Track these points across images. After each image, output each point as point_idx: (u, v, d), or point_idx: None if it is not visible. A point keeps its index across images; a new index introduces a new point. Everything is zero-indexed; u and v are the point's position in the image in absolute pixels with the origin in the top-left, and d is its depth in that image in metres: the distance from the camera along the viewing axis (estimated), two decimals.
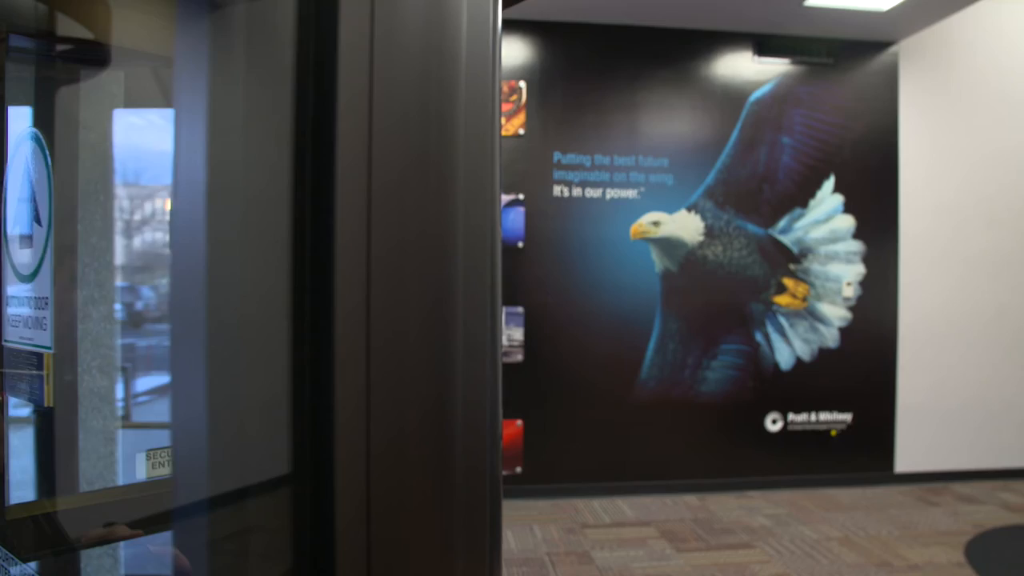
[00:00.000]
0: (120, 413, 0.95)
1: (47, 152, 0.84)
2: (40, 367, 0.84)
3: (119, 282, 0.94)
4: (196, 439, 0.53)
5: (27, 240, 0.84)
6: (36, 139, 0.85)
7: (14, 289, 0.86)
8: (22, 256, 0.85)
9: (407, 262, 0.46)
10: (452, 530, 0.48)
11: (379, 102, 0.45)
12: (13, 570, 0.85)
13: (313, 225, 0.45)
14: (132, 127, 0.95)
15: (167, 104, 1.03)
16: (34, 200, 0.84)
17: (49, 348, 0.83)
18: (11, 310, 0.87)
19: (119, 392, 0.95)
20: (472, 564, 0.49)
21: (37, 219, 0.84)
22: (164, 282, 0.95)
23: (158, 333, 0.95)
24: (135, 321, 0.91)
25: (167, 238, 0.96)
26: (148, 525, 0.90)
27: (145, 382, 0.93)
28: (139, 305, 0.89)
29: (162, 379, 0.94)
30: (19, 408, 0.93)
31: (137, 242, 0.90)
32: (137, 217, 0.90)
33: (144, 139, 0.97)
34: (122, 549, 0.94)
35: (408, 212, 0.46)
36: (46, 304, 0.82)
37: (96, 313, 1.15)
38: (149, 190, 0.95)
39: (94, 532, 0.89)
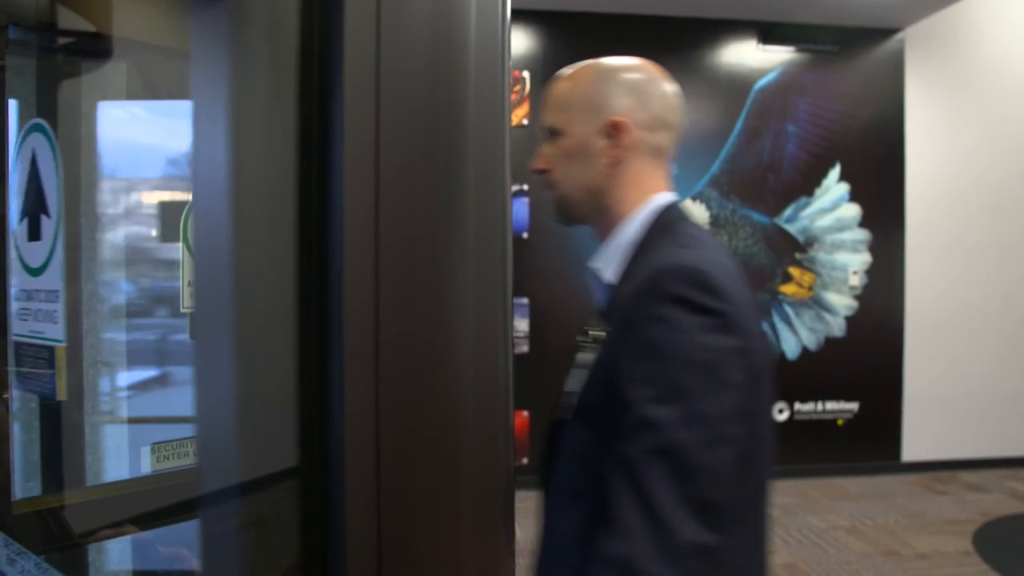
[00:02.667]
0: (107, 408, 0.95)
1: (54, 143, 0.83)
2: (52, 360, 0.83)
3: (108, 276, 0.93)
4: (217, 431, 0.52)
5: (35, 233, 0.83)
6: (42, 130, 0.84)
7: (22, 283, 0.85)
8: (30, 249, 0.84)
9: (416, 254, 0.45)
10: (464, 524, 0.47)
11: (386, 93, 0.44)
12: (19, 566, 0.84)
13: (321, 217, 0.44)
14: (115, 119, 0.94)
15: (168, 95, 1.02)
16: (42, 192, 0.83)
17: (61, 341, 0.82)
18: (19, 304, 0.87)
19: (106, 387, 0.94)
20: (485, 558, 0.49)
21: (45, 211, 0.83)
22: (148, 276, 0.94)
23: (141, 328, 0.94)
24: (116, 314, 0.91)
25: (149, 231, 0.96)
26: (155, 519, 0.89)
27: (129, 376, 0.93)
28: (120, 299, 0.89)
29: (146, 373, 0.94)
30: (29, 402, 0.93)
31: (120, 235, 0.89)
32: (117, 210, 0.89)
33: (126, 131, 0.96)
34: (131, 548, 0.94)
35: (416, 204, 0.45)
36: (57, 297, 0.82)
37: (99, 307, 1.15)
38: (128, 183, 0.94)
39: (101, 532, 0.88)
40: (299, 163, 0.45)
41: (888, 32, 5.74)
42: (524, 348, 5.36)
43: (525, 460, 5.32)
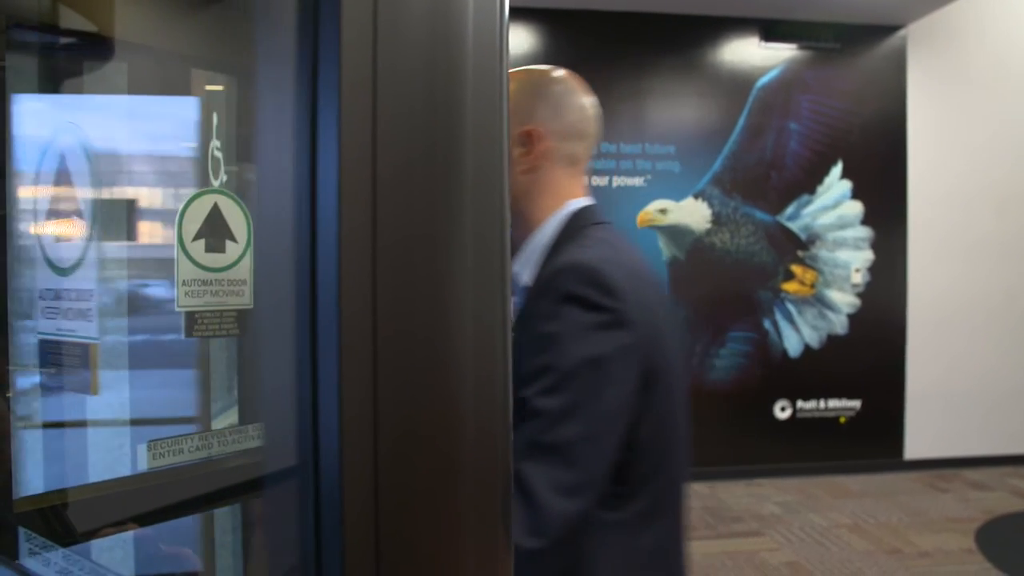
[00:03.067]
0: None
1: (87, 144, 0.84)
2: (85, 358, 0.85)
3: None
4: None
5: (67, 234, 0.84)
6: (74, 131, 0.85)
7: (49, 281, 0.86)
8: (58, 249, 0.85)
9: (415, 253, 0.45)
10: (464, 524, 0.47)
11: (384, 91, 0.44)
12: (23, 562, 0.85)
13: (318, 216, 0.44)
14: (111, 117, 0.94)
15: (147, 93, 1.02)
16: (72, 191, 0.84)
17: (96, 339, 0.84)
18: (45, 303, 0.88)
19: (104, 384, 0.96)
20: (485, 558, 0.49)
21: (78, 213, 0.84)
22: (147, 275, 0.95)
23: (138, 327, 0.95)
24: (118, 313, 0.92)
25: (147, 230, 0.97)
26: (154, 516, 0.90)
27: (128, 374, 0.94)
28: (120, 297, 0.90)
29: (144, 371, 0.95)
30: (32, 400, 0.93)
31: (121, 234, 0.90)
32: (116, 209, 0.90)
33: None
34: (133, 546, 0.94)
35: (415, 203, 0.45)
36: (90, 296, 0.83)
37: (103, 305, 1.15)
38: (126, 180, 0.94)
39: (103, 532, 0.89)
40: (296, 161, 0.45)
41: (890, 29, 5.73)
42: None
43: None
